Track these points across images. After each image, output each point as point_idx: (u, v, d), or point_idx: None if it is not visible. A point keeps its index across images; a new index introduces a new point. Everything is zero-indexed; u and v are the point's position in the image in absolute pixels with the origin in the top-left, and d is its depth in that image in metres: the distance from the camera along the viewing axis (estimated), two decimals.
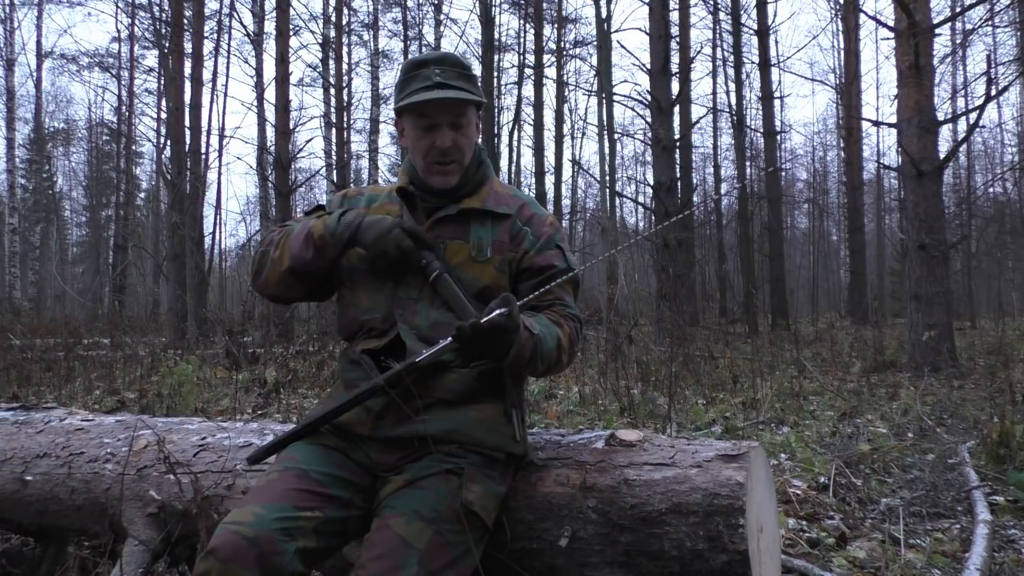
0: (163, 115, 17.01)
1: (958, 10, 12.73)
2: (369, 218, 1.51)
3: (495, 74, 18.83)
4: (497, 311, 1.32)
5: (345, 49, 22.14)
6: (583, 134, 25.89)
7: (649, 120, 11.24)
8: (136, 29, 22.17)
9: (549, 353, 1.47)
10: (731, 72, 19.92)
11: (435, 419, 1.46)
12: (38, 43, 22.60)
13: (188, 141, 12.56)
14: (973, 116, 9.12)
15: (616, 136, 22.06)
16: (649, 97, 10.98)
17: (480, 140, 1.69)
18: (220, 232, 20.17)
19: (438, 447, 1.43)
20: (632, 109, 21.49)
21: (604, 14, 17.25)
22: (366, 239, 1.48)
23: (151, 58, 23.44)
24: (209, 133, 17.09)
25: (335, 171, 19.99)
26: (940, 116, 8.82)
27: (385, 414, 1.47)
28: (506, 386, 1.55)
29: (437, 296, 1.51)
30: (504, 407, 1.54)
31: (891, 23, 7.52)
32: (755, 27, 17.13)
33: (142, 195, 29.03)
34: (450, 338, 1.36)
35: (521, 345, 1.38)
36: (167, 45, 12.76)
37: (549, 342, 1.47)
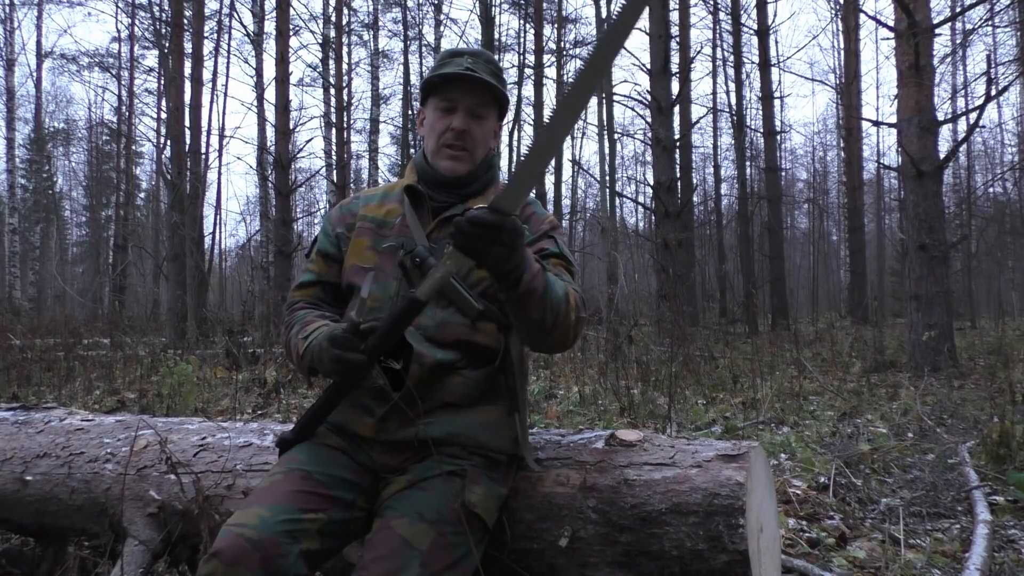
0: (163, 115, 17.01)
1: (958, 10, 12.73)
2: (315, 344, 1.46)
3: None
4: (479, 207, 1.24)
5: (345, 49, 22.14)
6: (583, 134, 25.82)
7: (649, 120, 11.25)
8: (136, 29, 22.21)
9: (559, 302, 1.39)
10: (731, 72, 19.95)
11: (439, 423, 1.47)
12: (38, 43, 22.63)
13: (188, 141, 12.54)
14: (973, 116, 9.14)
15: (616, 136, 22.09)
16: (649, 97, 10.99)
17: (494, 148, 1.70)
18: (220, 232, 20.16)
19: (441, 449, 1.44)
20: (632, 109, 21.52)
21: (604, 14, 17.24)
22: (321, 369, 1.46)
23: (151, 58, 23.52)
24: (209, 133, 17.09)
25: (335, 171, 19.99)
26: (940, 116, 8.83)
27: (389, 418, 1.47)
28: (516, 387, 1.55)
29: (443, 296, 1.51)
30: (509, 408, 1.54)
31: (891, 23, 7.53)
32: (755, 27, 17.16)
33: (142, 195, 29.06)
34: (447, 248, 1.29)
35: (533, 273, 1.33)
36: (167, 45, 12.74)
37: (559, 289, 1.41)
